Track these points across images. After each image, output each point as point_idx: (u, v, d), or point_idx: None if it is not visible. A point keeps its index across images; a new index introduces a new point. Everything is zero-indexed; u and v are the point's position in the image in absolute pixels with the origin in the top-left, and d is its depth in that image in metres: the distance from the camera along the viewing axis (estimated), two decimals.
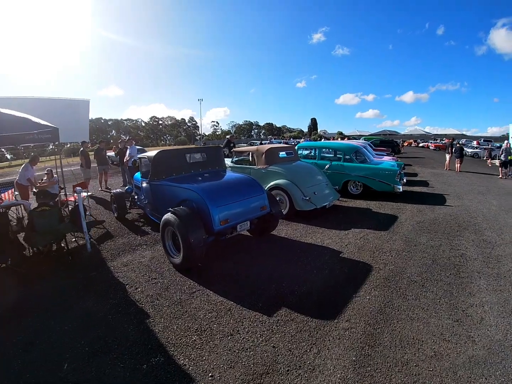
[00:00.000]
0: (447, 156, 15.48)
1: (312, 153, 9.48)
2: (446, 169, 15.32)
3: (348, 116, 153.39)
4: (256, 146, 7.73)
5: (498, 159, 23.34)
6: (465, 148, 18.68)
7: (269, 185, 6.57)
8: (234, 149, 8.66)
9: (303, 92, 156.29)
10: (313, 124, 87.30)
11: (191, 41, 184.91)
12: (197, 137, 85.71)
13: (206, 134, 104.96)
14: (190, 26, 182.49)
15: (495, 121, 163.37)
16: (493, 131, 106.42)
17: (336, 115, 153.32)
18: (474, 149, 29.32)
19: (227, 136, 13.69)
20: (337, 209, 7.21)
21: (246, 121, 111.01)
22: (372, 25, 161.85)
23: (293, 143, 30.15)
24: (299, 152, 9.58)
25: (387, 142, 24.06)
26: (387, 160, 10.48)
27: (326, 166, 8.65)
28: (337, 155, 9.07)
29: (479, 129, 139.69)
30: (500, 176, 13.05)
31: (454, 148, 15.16)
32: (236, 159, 8.04)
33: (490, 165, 18.75)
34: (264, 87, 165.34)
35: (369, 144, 19.01)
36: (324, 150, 9.61)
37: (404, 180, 8.80)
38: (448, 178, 12.33)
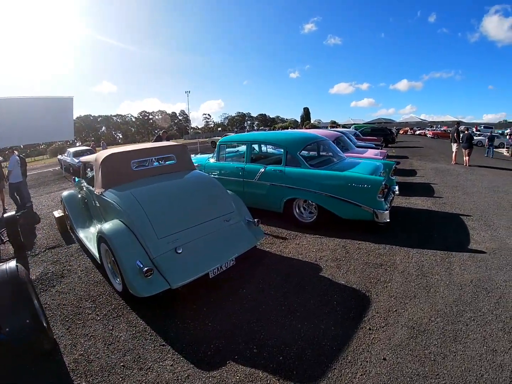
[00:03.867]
0: (454, 147, 11.91)
1: (240, 152, 5.80)
2: (453, 162, 11.78)
3: (343, 105, 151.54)
4: (97, 153, 4.06)
5: (506, 148, 20.18)
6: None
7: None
8: (82, 158, 4.99)
9: (297, 82, 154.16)
10: (306, 114, 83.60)
11: (184, 35, 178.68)
12: (189, 130, 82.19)
13: (199, 127, 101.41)
14: (184, 20, 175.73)
15: (490, 108, 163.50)
16: (488, 118, 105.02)
17: (331, 104, 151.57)
18: (477, 136, 25.67)
19: (160, 132, 10.45)
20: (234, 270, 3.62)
21: (239, 112, 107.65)
22: (364, 14, 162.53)
23: None
24: (224, 151, 5.94)
25: (379, 130, 20.45)
26: (370, 158, 6.87)
27: (257, 175, 5.05)
28: (279, 154, 5.43)
29: (474, 116, 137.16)
30: None
31: (461, 136, 11.58)
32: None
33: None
34: (257, 79, 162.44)
35: (356, 133, 15.53)
36: (256, 145, 5.99)
37: (395, 192, 5.22)
38: (459, 177, 8.78)
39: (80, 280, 3.47)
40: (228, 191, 3.84)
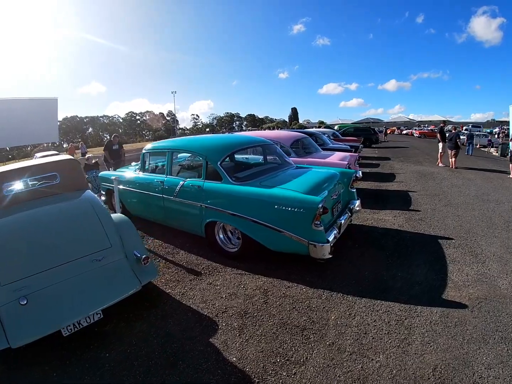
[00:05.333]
0: (440, 146, 10.76)
1: (164, 162, 4.49)
2: (439, 164, 10.65)
3: (332, 105, 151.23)
4: None
5: (494, 147, 19.22)
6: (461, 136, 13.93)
7: None
8: None
9: (286, 82, 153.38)
10: (294, 114, 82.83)
11: (174, 36, 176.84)
12: (176, 131, 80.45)
13: (188, 127, 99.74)
14: (173, 20, 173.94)
15: (478, 108, 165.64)
16: (476, 117, 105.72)
17: (320, 105, 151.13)
18: (463, 135, 24.77)
19: (112, 136, 9.17)
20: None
21: (227, 113, 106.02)
22: (352, 15, 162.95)
23: None
24: (149, 161, 4.66)
25: (362, 130, 19.32)
26: (331, 164, 5.60)
27: (176, 191, 3.87)
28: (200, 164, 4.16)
29: (462, 116, 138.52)
30: (511, 175, 8.47)
31: (447, 136, 10.43)
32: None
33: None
34: (247, 79, 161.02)
35: (335, 134, 14.37)
36: (181, 154, 4.70)
37: (354, 209, 3.94)
38: (443, 183, 7.57)
39: None
40: (116, 216, 3.09)
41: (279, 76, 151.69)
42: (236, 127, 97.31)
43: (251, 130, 57.45)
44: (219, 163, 3.59)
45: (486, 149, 18.50)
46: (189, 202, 3.72)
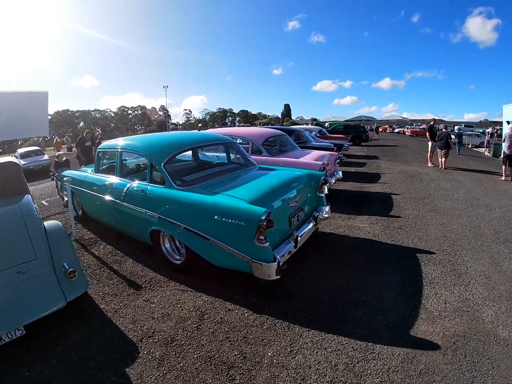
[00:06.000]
0: (430, 145, 10.24)
1: (115, 162, 3.92)
2: (429, 164, 10.14)
3: (326, 102, 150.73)
4: None
5: (487, 147, 18.75)
6: (452, 136, 13.39)
7: None
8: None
9: (280, 79, 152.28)
10: (287, 110, 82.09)
11: (168, 30, 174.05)
12: (167, 126, 79.04)
13: (180, 122, 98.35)
14: (168, 15, 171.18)
15: (471, 108, 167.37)
16: (469, 117, 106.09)
17: (314, 101, 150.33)
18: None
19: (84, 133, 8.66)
20: None
21: (220, 108, 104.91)
22: (347, 13, 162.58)
23: None
24: (103, 161, 4.18)
25: (351, 128, 18.76)
26: (305, 162, 5.01)
27: (122, 194, 3.39)
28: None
29: (455, 115, 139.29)
30: (503, 178, 7.99)
31: (438, 135, 9.90)
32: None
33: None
34: (241, 74, 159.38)
35: (322, 131, 13.79)
36: (129, 154, 4.07)
37: (321, 218, 3.35)
38: (430, 185, 7.02)
39: None
40: (50, 225, 2.78)
41: (273, 73, 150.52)
42: (229, 123, 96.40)
43: (243, 125, 56.70)
44: (162, 164, 3.07)
45: (481, 149, 18.08)
46: (134, 207, 3.22)
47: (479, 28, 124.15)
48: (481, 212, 4.96)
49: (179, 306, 2.55)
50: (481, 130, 31.91)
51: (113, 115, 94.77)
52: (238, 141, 6.50)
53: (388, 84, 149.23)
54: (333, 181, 5.78)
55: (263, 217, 2.30)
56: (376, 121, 58.69)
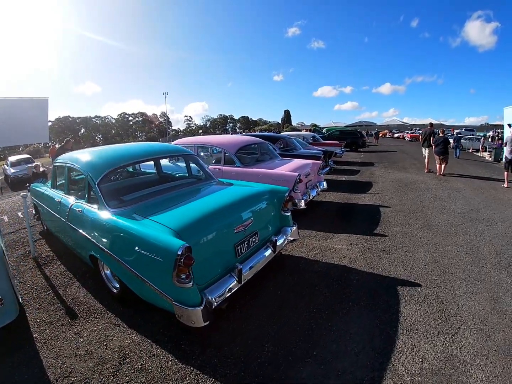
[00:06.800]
0: (425, 152, 9.66)
1: (64, 178, 3.61)
2: (425, 171, 9.55)
3: (327, 108, 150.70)
4: None
5: (489, 150, 17.96)
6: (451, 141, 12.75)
7: None
8: None
9: (281, 85, 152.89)
10: (287, 116, 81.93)
11: (170, 37, 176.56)
12: (167, 132, 79.09)
13: (181, 129, 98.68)
14: (168, 24, 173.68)
15: (472, 112, 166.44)
16: (470, 121, 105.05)
17: (315, 107, 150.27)
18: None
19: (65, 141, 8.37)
20: None
21: (221, 115, 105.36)
22: (347, 19, 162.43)
23: None
24: (57, 175, 3.85)
25: (348, 133, 18.22)
26: (278, 174, 4.49)
27: (67, 212, 3.11)
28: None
29: (456, 119, 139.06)
30: (506, 185, 7.36)
31: (434, 140, 9.31)
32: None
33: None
34: (242, 81, 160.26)
35: (315, 137, 13.28)
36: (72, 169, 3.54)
37: (288, 238, 2.86)
38: (425, 194, 6.41)
39: None
40: None
41: (274, 79, 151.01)
42: (229, 129, 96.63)
43: (243, 131, 56.44)
44: (96, 182, 2.68)
45: (484, 153, 17.43)
46: (75, 227, 2.91)
47: (478, 31, 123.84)
48: (481, 227, 4.35)
49: (105, 343, 2.23)
50: (481, 134, 31.29)
51: (114, 121, 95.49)
52: (211, 151, 5.99)
53: (389, 89, 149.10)
54: (315, 194, 5.20)
55: (179, 252, 1.79)
56: (377, 126, 58.25)
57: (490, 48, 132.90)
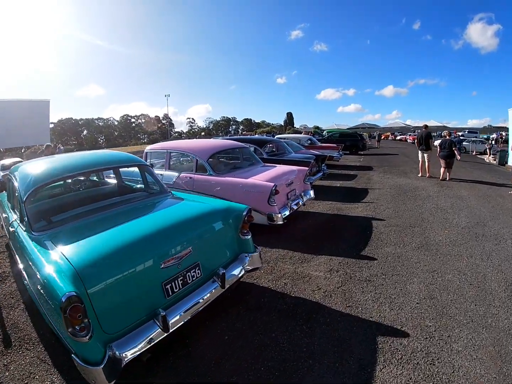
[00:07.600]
0: (424, 156, 9.02)
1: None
2: (427, 175, 8.91)
3: (330, 110, 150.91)
4: None
5: (493, 153, 17.16)
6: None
7: None
8: None
9: (284, 87, 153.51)
10: (289, 118, 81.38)
11: (172, 41, 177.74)
12: (168, 134, 78.94)
13: (184, 131, 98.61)
14: (172, 28, 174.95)
15: (474, 114, 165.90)
16: (473, 123, 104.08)
17: (318, 110, 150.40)
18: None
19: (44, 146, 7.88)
20: None
21: (224, 117, 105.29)
22: (349, 22, 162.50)
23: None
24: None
25: (348, 136, 17.57)
26: (252, 184, 3.92)
27: (10, 229, 2.70)
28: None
29: (459, 122, 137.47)
30: None
31: (439, 142, 8.67)
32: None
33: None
34: (245, 84, 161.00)
35: (311, 139, 12.72)
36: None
37: (246, 267, 2.30)
38: (425, 204, 5.77)
39: None
40: None
41: (277, 81, 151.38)
42: (232, 131, 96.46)
43: (246, 133, 55.89)
44: (23, 201, 2.30)
45: (486, 158, 16.69)
46: (13, 247, 2.82)
47: (480, 34, 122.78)
48: (488, 247, 3.72)
49: (26, 383, 1.91)
50: (485, 136, 30.38)
51: (116, 123, 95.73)
52: (183, 158, 5.43)
53: (391, 91, 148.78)
54: (296, 208, 4.57)
55: (63, 300, 1.30)
56: (379, 129, 57.50)
57: (492, 50, 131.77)
